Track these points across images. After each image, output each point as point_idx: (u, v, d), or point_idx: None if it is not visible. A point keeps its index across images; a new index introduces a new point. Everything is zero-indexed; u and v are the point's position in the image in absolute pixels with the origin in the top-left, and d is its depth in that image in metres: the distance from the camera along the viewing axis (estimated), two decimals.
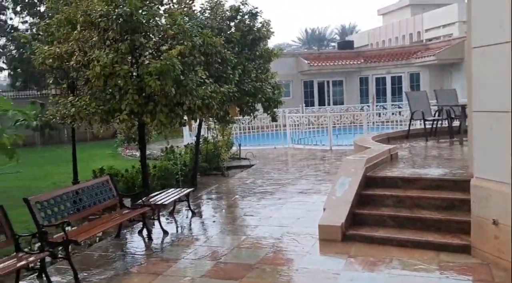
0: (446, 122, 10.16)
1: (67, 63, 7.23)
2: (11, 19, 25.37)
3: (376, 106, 23.10)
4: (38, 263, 4.69)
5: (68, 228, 5.41)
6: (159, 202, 6.77)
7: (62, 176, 12.63)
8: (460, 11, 31.72)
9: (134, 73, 6.79)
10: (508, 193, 4.37)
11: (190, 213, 7.57)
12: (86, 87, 7.25)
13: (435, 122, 10.42)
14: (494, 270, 4.51)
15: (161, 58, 6.53)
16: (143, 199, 6.69)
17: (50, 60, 7.16)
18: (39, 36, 8.48)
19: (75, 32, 7.15)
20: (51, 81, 8.17)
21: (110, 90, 6.80)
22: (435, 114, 10.58)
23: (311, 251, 5.43)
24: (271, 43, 10.26)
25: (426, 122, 10.25)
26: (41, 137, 24.37)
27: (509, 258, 4.41)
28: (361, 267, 4.89)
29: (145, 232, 6.48)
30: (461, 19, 31.29)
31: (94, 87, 6.87)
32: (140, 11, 6.87)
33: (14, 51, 26.33)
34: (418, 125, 11.98)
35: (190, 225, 7.10)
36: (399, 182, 6.35)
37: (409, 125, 10.89)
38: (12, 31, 25.17)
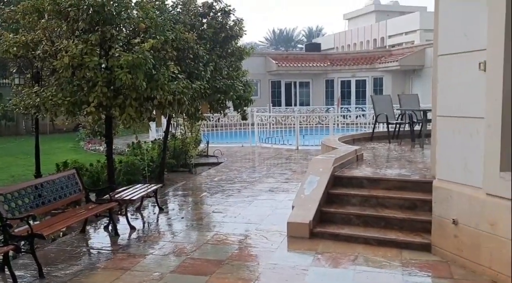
0: (408, 125, 10.54)
1: (33, 52, 7.02)
2: None
3: (341, 108, 23.57)
4: (1, 257, 4.53)
5: (32, 222, 5.25)
6: (126, 198, 6.68)
7: (21, 169, 12.23)
8: (422, 19, 32.89)
9: (104, 65, 6.67)
10: (468, 195, 4.61)
11: (157, 209, 7.50)
12: (52, 77, 7.05)
13: (397, 126, 10.78)
14: (453, 267, 4.74)
15: (133, 51, 6.44)
16: (109, 194, 6.57)
17: (15, 49, 6.91)
18: (3, 23, 8.16)
19: (43, 20, 6.95)
20: (14, 71, 7.87)
21: (78, 81, 6.65)
22: (398, 117, 10.94)
23: (280, 247, 5.52)
24: (240, 42, 10.40)
25: (390, 125, 10.59)
26: None
27: (467, 256, 4.66)
28: (328, 263, 5.02)
29: (111, 227, 6.37)
30: (423, 27, 32.47)
31: (61, 78, 6.70)
32: (112, 2, 6.76)
33: None
34: (381, 127, 12.34)
35: (158, 221, 7.04)
36: (364, 182, 6.55)
37: (374, 127, 11.21)
38: None
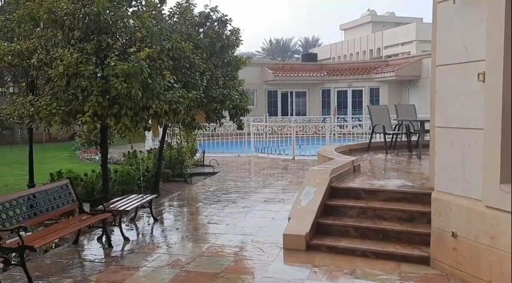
0: (405, 136, 10.50)
1: (27, 61, 6.95)
2: None
3: (337, 118, 23.57)
4: None
5: (23, 233, 5.14)
6: (120, 208, 6.57)
7: (15, 178, 12.09)
8: (418, 30, 33.14)
9: (99, 74, 6.60)
10: (467, 207, 4.55)
11: (152, 220, 7.39)
12: (47, 86, 6.97)
13: (394, 136, 10.74)
14: (452, 281, 4.66)
15: (129, 60, 6.39)
16: (103, 204, 6.46)
17: (10, 57, 6.84)
18: None
19: (38, 29, 6.90)
20: (9, 79, 7.79)
21: (73, 90, 6.58)
22: (395, 128, 10.91)
23: (276, 260, 5.42)
24: (237, 52, 10.47)
25: (387, 136, 10.55)
26: None
27: (467, 269, 4.58)
28: (324, 277, 4.92)
29: (104, 238, 6.26)
30: (419, 38, 32.69)
31: (56, 87, 6.63)
32: (108, 11, 6.72)
33: None
34: (378, 138, 12.31)
35: (152, 232, 6.93)
36: (362, 193, 6.47)
37: (370, 138, 11.17)
38: None
